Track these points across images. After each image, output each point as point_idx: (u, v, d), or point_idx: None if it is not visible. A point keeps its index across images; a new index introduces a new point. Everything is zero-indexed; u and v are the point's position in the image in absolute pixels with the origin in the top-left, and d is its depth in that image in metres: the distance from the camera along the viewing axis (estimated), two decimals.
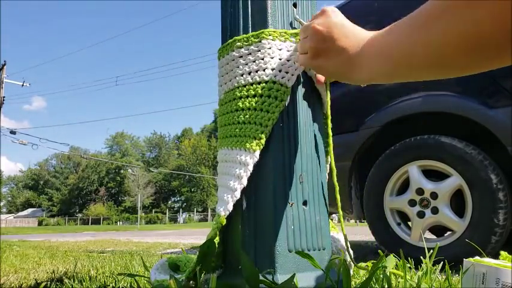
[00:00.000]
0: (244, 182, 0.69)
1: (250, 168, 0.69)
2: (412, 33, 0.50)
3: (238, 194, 0.69)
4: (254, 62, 0.73)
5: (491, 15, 0.40)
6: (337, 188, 0.83)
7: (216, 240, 0.72)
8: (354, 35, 0.62)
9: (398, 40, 0.52)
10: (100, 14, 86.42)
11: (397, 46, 0.53)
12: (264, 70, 0.72)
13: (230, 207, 0.69)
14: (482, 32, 0.42)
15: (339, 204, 0.83)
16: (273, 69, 0.72)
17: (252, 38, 0.74)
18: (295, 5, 0.80)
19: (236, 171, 0.70)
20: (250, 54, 0.74)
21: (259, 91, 0.71)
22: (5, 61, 21.73)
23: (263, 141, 0.69)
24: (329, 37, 0.63)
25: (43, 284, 1.08)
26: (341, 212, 0.84)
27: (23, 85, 23.72)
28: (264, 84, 0.72)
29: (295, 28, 0.79)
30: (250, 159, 0.69)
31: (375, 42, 0.58)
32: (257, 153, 0.69)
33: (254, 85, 0.72)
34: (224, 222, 0.70)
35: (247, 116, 0.72)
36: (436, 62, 0.49)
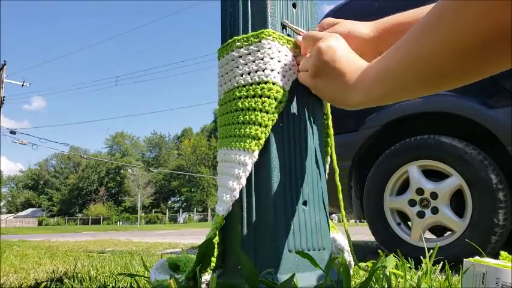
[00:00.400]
0: (243, 182, 0.69)
1: (249, 168, 0.69)
2: (420, 36, 0.49)
3: (237, 194, 0.69)
4: (254, 62, 0.73)
5: (491, 16, 0.40)
6: (340, 188, 0.83)
7: (216, 240, 0.72)
8: (354, 62, 0.65)
9: (406, 48, 0.52)
10: (100, 14, 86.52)
11: (401, 57, 0.52)
12: (263, 71, 0.72)
13: (229, 207, 0.69)
14: (483, 32, 0.41)
15: (342, 204, 0.84)
16: (272, 70, 0.72)
17: (252, 38, 0.74)
18: (294, 5, 0.80)
19: (235, 172, 0.70)
20: (249, 54, 0.74)
21: (259, 91, 0.71)
22: (5, 61, 21.76)
23: (262, 141, 0.69)
24: (332, 59, 0.66)
25: (43, 284, 1.08)
26: (344, 212, 0.84)
27: (23, 85, 23.75)
28: (263, 84, 0.71)
29: (289, 35, 0.78)
30: (249, 159, 0.69)
31: (372, 68, 0.60)
32: (256, 153, 0.69)
33: (254, 85, 0.72)
34: (223, 222, 0.70)
35: (246, 116, 0.71)
36: (439, 68, 0.48)
